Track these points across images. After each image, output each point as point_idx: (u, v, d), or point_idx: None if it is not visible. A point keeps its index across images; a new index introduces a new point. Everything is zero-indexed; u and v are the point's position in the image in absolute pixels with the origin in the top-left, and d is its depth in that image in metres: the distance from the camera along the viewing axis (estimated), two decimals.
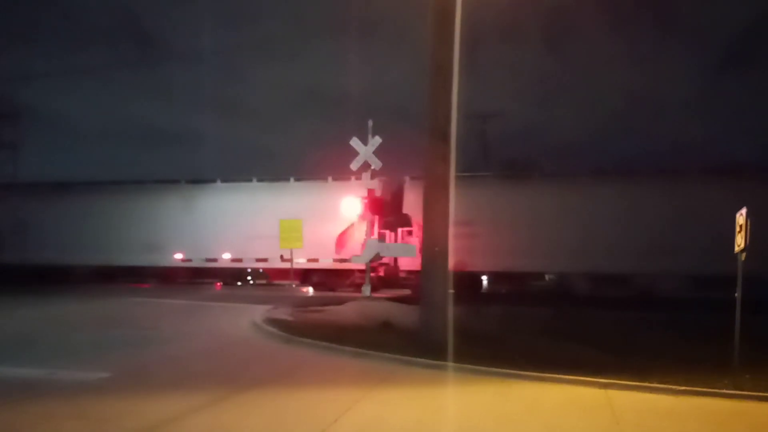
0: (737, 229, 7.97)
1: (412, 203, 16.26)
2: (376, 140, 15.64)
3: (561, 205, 22.83)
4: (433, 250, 10.29)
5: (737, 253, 8.02)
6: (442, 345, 9.49)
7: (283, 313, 14.60)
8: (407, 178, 24.98)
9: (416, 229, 23.89)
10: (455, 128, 10.21)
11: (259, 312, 14.56)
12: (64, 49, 78.19)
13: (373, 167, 15.83)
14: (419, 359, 9.16)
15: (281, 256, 25.60)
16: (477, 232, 22.14)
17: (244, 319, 13.98)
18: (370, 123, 15.82)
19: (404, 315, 12.92)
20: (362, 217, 15.99)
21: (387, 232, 23.39)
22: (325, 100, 75.94)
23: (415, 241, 23.62)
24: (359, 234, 24.87)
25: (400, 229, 23.78)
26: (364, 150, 15.63)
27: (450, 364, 8.82)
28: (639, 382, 7.78)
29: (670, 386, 7.61)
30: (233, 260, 27.19)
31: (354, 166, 15.82)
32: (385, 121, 16.03)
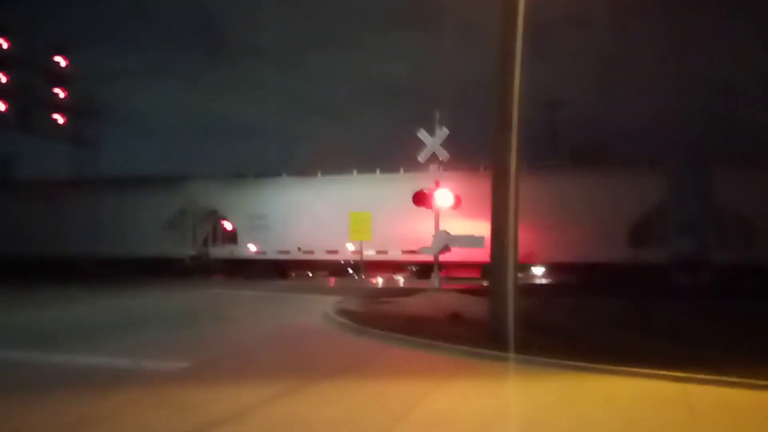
0: None
1: None
2: (444, 131, 15.56)
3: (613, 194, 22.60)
4: (501, 241, 10.21)
5: None
6: (512, 337, 9.43)
7: (354, 304, 14.83)
8: None
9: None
10: (509, 116, 10.05)
11: (329, 303, 14.84)
12: (138, 48, 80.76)
13: (441, 158, 15.76)
14: (489, 351, 9.13)
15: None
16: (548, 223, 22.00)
17: (316, 310, 14.28)
18: (438, 115, 15.74)
19: (473, 307, 12.90)
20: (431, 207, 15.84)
21: None
22: (390, 92, 75.90)
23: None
24: None
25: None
26: (432, 141, 15.58)
27: (520, 356, 8.74)
28: (716, 376, 7.50)
29: (750, 380, 7.31)
30: (306, 252, 27.92)
31: (422, 158, 15.78)
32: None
